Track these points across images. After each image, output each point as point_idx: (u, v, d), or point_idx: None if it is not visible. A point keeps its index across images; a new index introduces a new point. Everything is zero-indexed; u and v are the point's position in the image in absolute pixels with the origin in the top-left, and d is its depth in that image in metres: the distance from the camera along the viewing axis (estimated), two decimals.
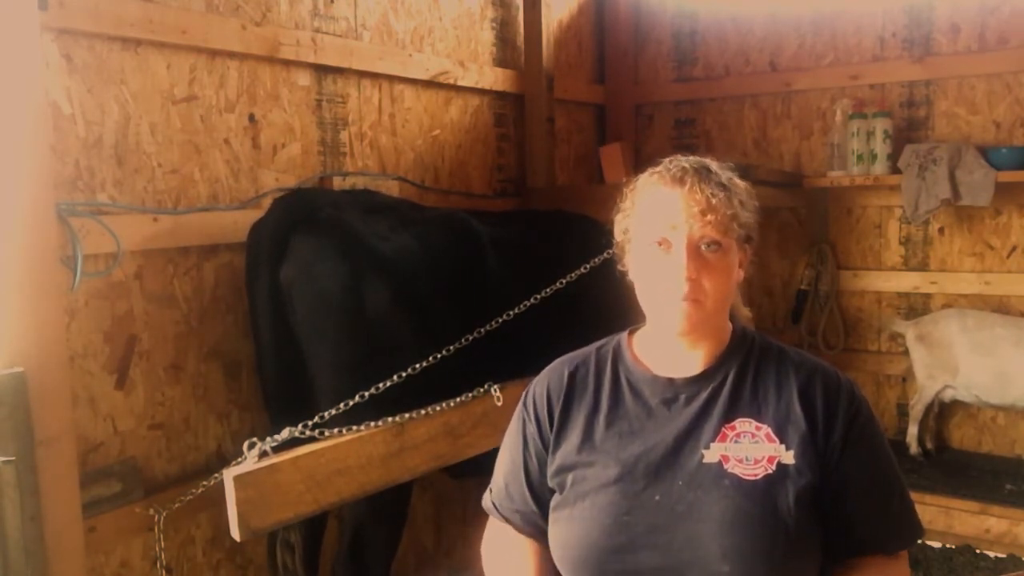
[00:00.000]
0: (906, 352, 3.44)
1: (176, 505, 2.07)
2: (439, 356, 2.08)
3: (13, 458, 1.60)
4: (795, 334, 3.73)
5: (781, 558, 1.18)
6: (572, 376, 1.39)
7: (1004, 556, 3.01)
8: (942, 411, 3.48)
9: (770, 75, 3.75)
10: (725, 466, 1.23)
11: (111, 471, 2.09)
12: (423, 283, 2.17)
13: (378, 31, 2.82)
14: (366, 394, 1.95)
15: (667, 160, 1.31)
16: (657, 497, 1.23)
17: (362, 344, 2.07)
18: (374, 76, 2.81)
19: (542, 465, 1.36)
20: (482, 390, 2.17)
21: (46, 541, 1.67)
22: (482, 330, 2.20)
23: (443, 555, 3.14)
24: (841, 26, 3.59)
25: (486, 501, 1.48)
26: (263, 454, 1.75)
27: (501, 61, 3.39)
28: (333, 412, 1.91)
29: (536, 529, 1.38)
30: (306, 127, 2.60)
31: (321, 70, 2.63)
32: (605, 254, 2.29)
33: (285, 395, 2.14)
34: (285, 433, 1.80)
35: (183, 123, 2.26)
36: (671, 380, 1.31)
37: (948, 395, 3.29)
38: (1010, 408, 3.21)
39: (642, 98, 4.08)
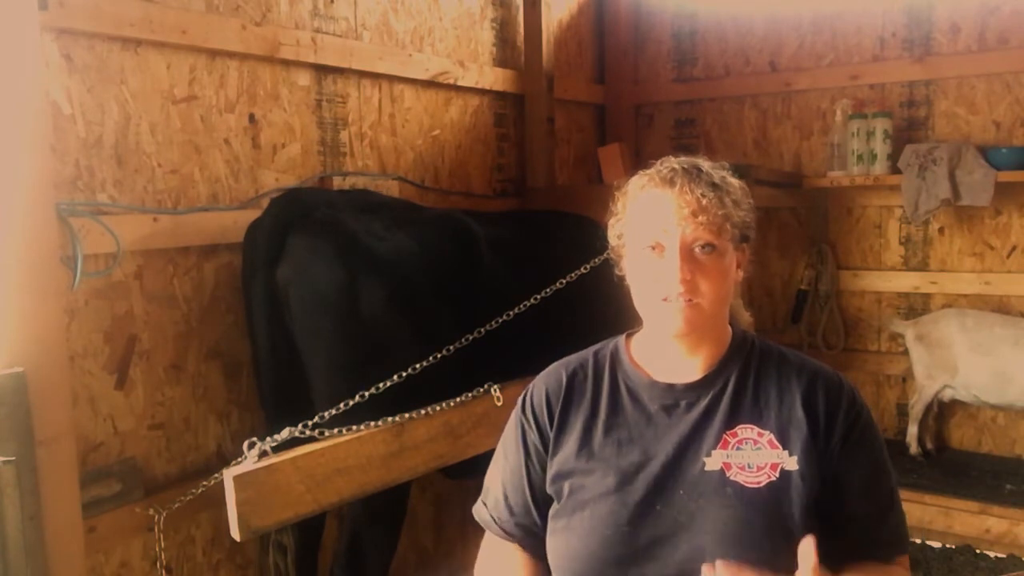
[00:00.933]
0: (906, 352, 3.44)
1: (176, 505, 2.07)
2: (439, 356, 2.08)
3: (13, 458, 1.60)
4: (795, 334, 3.73)
5: (784, 568, 1.15)
6: (570, 380, 1.36)
7: (1004, 556, 3.01)
8: (942, 411, 3.48)
9: (770, 75, 3.75)
10: (727, 474, 1.21)
11: (111, 471, 2.09)
12: (419, 283, 2.17)
13: (378, 31, 2.82)
14: (366, 394, 1.95)
15: (658, 162, 1.29)
16: (658, 507, 1.21)
17: (358, 344, 2.07)
18: (374, 76, 2.81)
19: (545, 473, 1.33)
20: (482, 390, 2.17)
21: (46, 541, 1.67)
22: (481, 330, 2.20)
23: (443, 556, 3.14)
24: (841, 26, 3.59)
25: (481, 513, 1.42)
26: (263, 454, 1.75)
27: (501, 61, 3.39)
28: (333, 412, 1.91)
29: (537, 541, 1.34)
30: (306, 127, 2.60)
31: (321, 70, 2.63)
32: (604, 255, 2.29)
33: (281, 395, 2.14)
34: (285, 433, 1.80)
35: (183, 123, 2.26)
36: (671, 386, 1.29)
37: (947, 395, 3.29)
38: (1009, 408, 3.21)
39: (642, 98, 4.08)
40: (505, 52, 3.41)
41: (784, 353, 1.33)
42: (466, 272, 2.30)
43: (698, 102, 3.97)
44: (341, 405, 1.92)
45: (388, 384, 1.98)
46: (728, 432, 1.24)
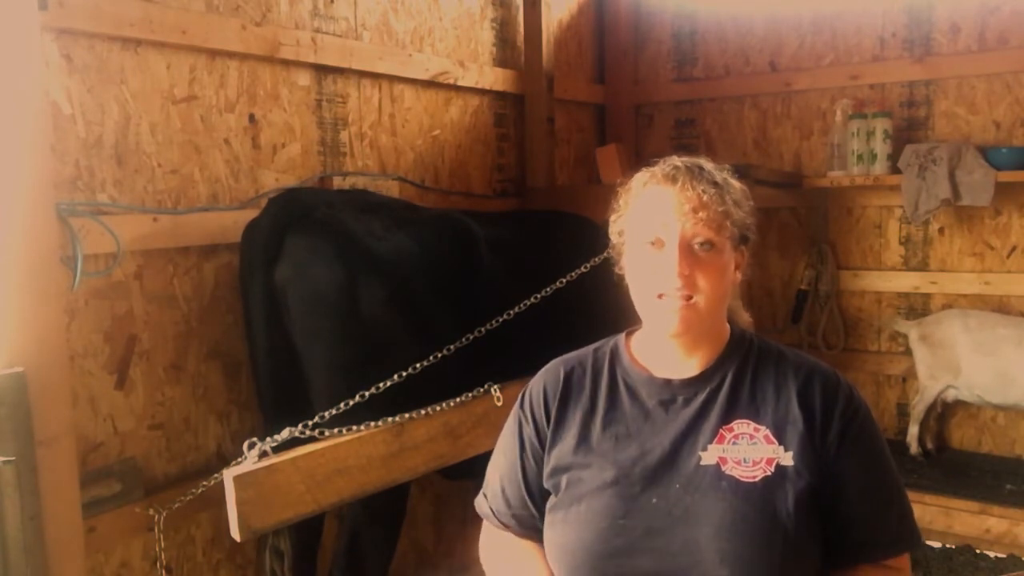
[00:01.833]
0: (906, 352, 3.45)
1: (176, 505, 2.07)
2: (439, 356, 2.08)
3: (13, 458, 1.60)
4: (795, 334, 3.73)
5: (780, 562, 1.17)
6: (568, 376, 1.37)
7: (1004, 556, 3.01)
8: (943, 411, 3.47)
9: (770, 75, 3.75)
10: (723, 468, 1.22)
11: (111, 471, 2.09)
12: (418, 283, 2.17)
13: (378, 31, 2.82)
14: (366, 394, 1.95)
15: (662, 160, 1.30)
16: (654, 500, 1.22)
17: (357, 344, 2.07)
18: (374, 76, 2.81)
19: (540, 467, 1.35)
20: (482, 390, 2.17)
21: (46, 541, 1.67)
22: (481, 330, 2.20)
23: (443, 555, 3.14)
24: (841, 26, 3.58)
25: (481, 505, 1.46)
26: (263, 454, 1.75)
27: (501, 61, 3.39)
28: (333, 412, 1.91)
29: (535, 532, 1.37)
30: (306, 127, 2.60)
31: (321, 70, 2.63)
32: (604, 254, 2.29)
33: (279, 396, 2.14)
34: (285, 433, 1.80)
35: (183, 123, 2.26)
36: (668, 381, 1.30)
37: (950, 395, 3.29)
38: (1012, 408, 3.21)
39: (642, 98, 4.08)
40: (505, 52, 3.41)
41: (783, 351, 1.34)
42: (466, 272, 2.30)
43: (698, 102, 3.96)
44: (341, 405, 1.92)
45: (388, 384, 1.98)
46: (724, 427, 1.25)
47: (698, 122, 3.98)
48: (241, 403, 2.42)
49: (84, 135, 2.04)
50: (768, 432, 1.24)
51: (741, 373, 1.30)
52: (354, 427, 1.92)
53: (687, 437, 1.25)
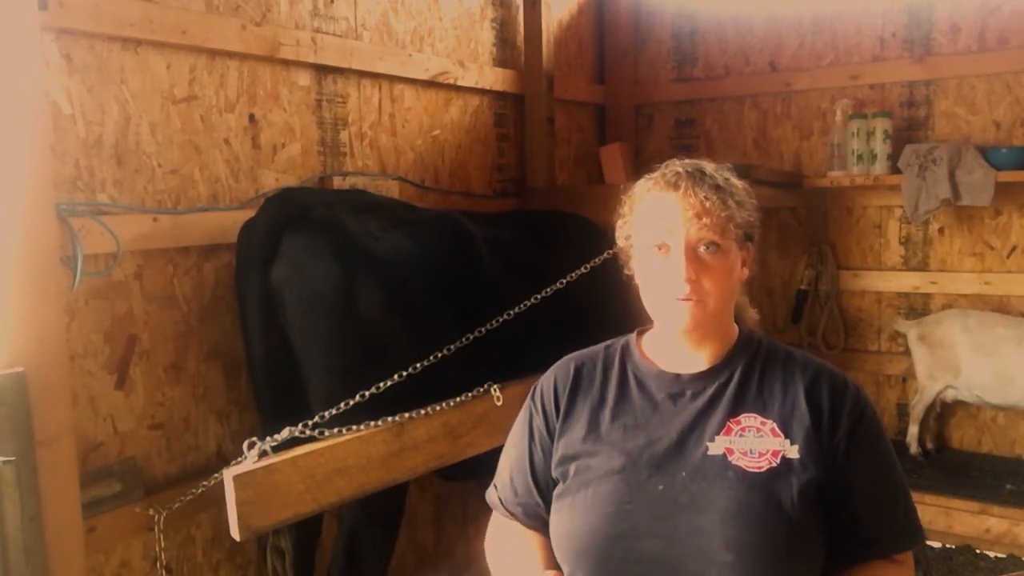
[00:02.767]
0: (906, 352, 3.45)
1: (176, 505, 2.07)
2: (438, 356, 2.08)
3: (13, 458, 1.60)
4: (795, 334, 3.73)
5: (783, 550, 1.19)
6: (579, 370, 1.41)
7: (1004, 556, 3.01)
8: (943, 411, 3.48)
9: (770, 75, 3.75)
10: (729, 458, 1.25)
11: (111, 471, 2.09)
12: (416, 283, 2.17)
13: (378, 31, 2.82)
14: (366, 394, 1.95)
15: (663, 165, 1.33)
16: (660, 487, 1.24)
17: (355, 344, 2.07)
18: (374, 76, 2.81)
19: (547, 457, 1.38)
20: (482, 390, 2.17)
21: (46, 541, 1.67)
22: (481, 330, 2.20)
23: (443, 555, 3.14)
24: (841, 26, 3.59)
25: (491, 496, 1.50)
26: (263, 454, 1.75)
27: (501, 61, 3.39)
28: (333, 412, 1.91)
29: (540, 522, 1.40)
30: (306, 127, 2.60)
31: (321, 70, 2.63)
32: (604, 255, 2.29)
33: (277, 396, 2.13)
34: (285, 433, 1.80)
35: (183, 123, 2.26)
36: (678, 375, 1.34)
37: (950, 395, 3.29)
38: (1012, 408, 3.21)
39: (642, 98, 4.08)
40: (505, 52, 3.41)
41: (791, 351, 1.37)
42: (464, 272, 2.30)
43: (698, 102, 3.97)
44: (341, 405, 1.92)
45: (387, 384, 1.98)
46: (732, 420, 1.28)
47: (698, 122, 3.98)
48: (241, 403, 2.42)
49: (84, 135, 2.04)
50: (775, 426, 1.27)
51: (749, 370, 1.33)
52: (354, 427, 1.92)
53: (695, 428, 1.28)
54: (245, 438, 1.77)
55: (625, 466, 1.27)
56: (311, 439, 1.85)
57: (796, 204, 3.75)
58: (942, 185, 3.16)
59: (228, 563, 2.41)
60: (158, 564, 2.05)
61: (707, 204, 1.25)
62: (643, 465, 1.27)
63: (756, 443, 1.25)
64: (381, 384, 1.97)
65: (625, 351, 1.41)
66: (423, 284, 2.19)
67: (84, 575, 1.80)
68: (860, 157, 3.40)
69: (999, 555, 3.02)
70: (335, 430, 1.90)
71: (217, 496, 1.86)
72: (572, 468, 1.33)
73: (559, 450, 1.36)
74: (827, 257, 3.67)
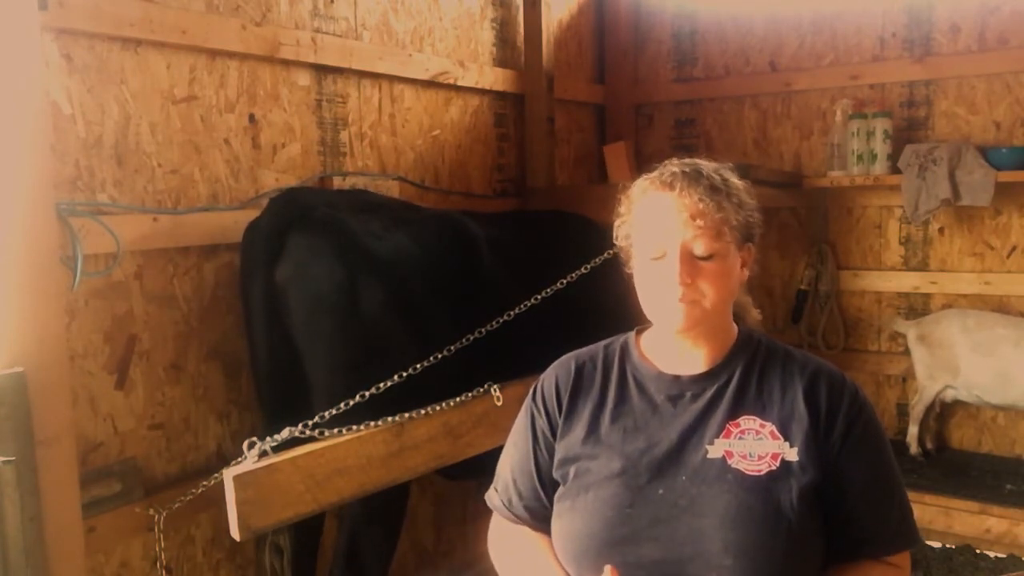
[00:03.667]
0: (906, 352, 3.44)
1: (176, 505, 2.07)
2: (440, 356, 2.08)
3: (13, 458, 1.60)
4: (795, 334, 3.73)
5: (782, 553, 1.19)
6: (579, 370, 1.41)
7: (1004, 556, 3.01)
8: (942, 411, 3.47)
9: (770, 75, 3.75)
10: (729, 462, 1.24)
11: (111, 471, 2.09)
12: (417, 283, 2.17)
13: (378, 31, 2.82)
14: (367, 394, 1.95)
15: (661, 165, 1.33)
16: (660, 491, 1.24)
17: (358, 344, 2.07)
18: (374, 76, 2.81)
19: (552, 458, 1.38)
20: (482, 390, 2.17)
21: (46, 541, 1.67)
22: (483, 330, 2.20)
23: (443, 555, 3.14)
24: (841, 26, 3.58)
25: (492, 499, 1.48)
26: (263, 454, 1.75)
27: (501, 61, 3.39)
28: (333, 412, 1.91)
29: (548, 524, 1.38)
30: (306, 127, 2.60)
31: (321, 70, 2.63)
32: (605, 254, 2.29)
33: (280, 396, 2.14)
34: (285, 433, 1.80)
35: (183, 123, 2.26)
36: (677, 377, 1.33)
37: (949, 395, 3.29)
38: (1011, 408, 3.21)
39: (642, 98, 4.08)
40: (505, 52, 3.41)
41: (790, 351, 1.36)
42: (465, 272, 2.30)
43: (698, 102, 3.96)
44: (341, 405, 1.92)
45: (388, 384, 1.98)
46: (731, 422, 1.28)
47: (698, 122, 3.98)
48: (241, 403, 2.42)
49: (84, 135, 2.04)
50: (774, 428, 1.27)
51: (748, 371, 1.32)
52: (354, 427, 1.92)
53: (694, 431, 1.28)
54: (245, 438, 1.77)
55: (625, 469, 1.27)
56: (311, 439, 1.85)
57: (796, 204, 3.75)
58: (942, 185, 3.16)
59: (228, 563, 2.41)
60: (158, 564, 2.05)
61: (701, 206, 1.25)
62: (643, 469, 1.26)
63: (755, 446, 1.25)
64: (381, 384, 1.97)
65: (624, 351, 1.40)
66: (424, 284, 2.19)
67: (84, 575, 1.80)
68: (860, 157, 3.40)
69: (999, 555, 3.02)
70: (335, 430, 1.90)
71: (217, 496, 1.86)
72: (572, 470, 1.32)
73: (560, 451, 1.36)
74: (827, 257, 3.66)
